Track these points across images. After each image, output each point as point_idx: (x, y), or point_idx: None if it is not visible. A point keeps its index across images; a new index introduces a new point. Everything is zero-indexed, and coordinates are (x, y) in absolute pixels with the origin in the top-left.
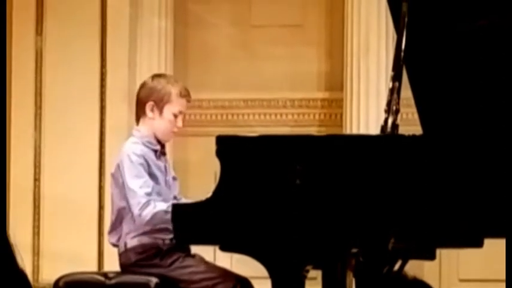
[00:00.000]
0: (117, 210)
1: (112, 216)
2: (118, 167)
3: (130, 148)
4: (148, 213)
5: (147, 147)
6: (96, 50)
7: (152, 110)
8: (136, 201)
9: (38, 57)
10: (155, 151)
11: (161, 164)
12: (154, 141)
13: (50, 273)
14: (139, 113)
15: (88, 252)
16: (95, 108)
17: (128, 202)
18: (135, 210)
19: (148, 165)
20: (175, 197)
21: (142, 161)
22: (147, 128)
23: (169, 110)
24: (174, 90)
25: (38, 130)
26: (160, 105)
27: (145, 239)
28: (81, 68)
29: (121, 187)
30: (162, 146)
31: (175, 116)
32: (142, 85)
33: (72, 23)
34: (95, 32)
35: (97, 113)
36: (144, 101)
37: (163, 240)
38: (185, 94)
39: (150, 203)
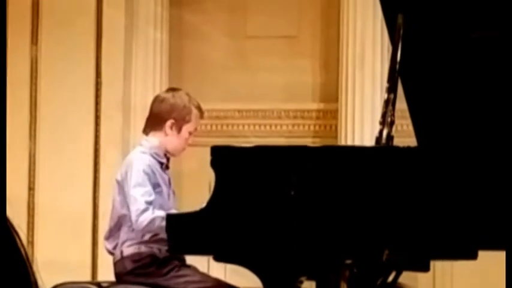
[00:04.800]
0: (118, 217)
1: (111, 222)
2: (126, 174)
3: (138, 157)
4: (145, 218)
5: (154, 158)
6: (92, 61)
7: (171, 128)
8: (135, 208)
9: (33, 66)
10: (161, 163)
11: (166, 177)
12: (162, 154)
13: (43, 282)
14: (155, 126)
15: (82, 261)
16: (89, 119)
17: (129, 209)
18: (134, 216)
19: (155, 177)
20: None
21: (149, 171)
22: (158, 140)
23: (187, 129)
24: (194, 110)
25: (32, 140)
26: (180, 123)
27: (142, 248)
28: (76, 78)
29: (125, 194)
30: (167, 159)
31: (190, 133)
32: (162, 100)
33: (68, 33)
34: (90, 43)
35: (92, 123)
36: (165, 117)
37: (160, 249)
38: (202, 113)
39: (148, 209)
